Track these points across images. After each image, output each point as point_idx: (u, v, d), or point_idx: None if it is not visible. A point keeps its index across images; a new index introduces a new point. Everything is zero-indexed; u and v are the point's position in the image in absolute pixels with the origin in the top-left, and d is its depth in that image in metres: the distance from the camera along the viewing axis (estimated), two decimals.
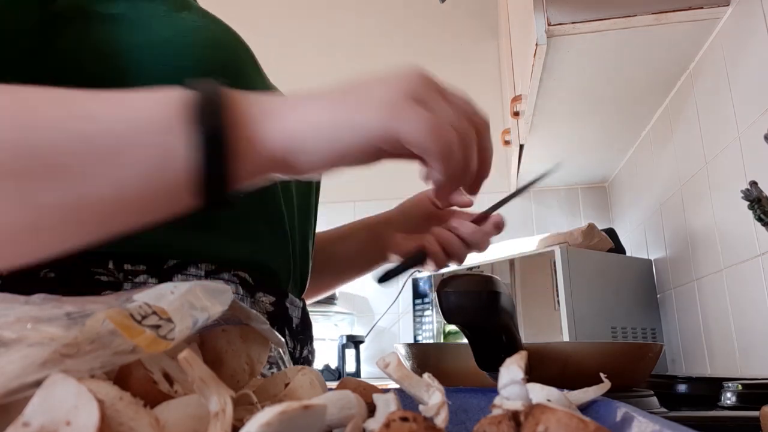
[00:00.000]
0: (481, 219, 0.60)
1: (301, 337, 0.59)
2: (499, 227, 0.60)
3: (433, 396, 0.25)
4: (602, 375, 0.30)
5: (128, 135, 0.31)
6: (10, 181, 0.29)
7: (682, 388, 0.73)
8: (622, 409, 0.25)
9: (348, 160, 0.36)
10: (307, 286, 0.64)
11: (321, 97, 0.35)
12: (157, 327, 0.22)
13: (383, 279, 0.53)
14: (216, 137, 0.32)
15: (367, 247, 0.71)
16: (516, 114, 1.47)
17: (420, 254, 0.57)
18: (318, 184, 0.73)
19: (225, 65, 0.49)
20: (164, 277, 0.46)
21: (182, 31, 0.46)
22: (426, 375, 0.27)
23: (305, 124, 0.34)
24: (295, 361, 0.58)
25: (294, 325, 0.58)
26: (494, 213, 0.60)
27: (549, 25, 1.03)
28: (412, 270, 0.57)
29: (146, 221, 0.33)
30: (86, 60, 0.40)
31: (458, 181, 0.39)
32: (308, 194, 0.67)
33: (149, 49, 0.44)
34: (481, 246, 0.60)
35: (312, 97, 0.35)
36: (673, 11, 1.01)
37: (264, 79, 0.59)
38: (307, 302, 0.64)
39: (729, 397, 0.59)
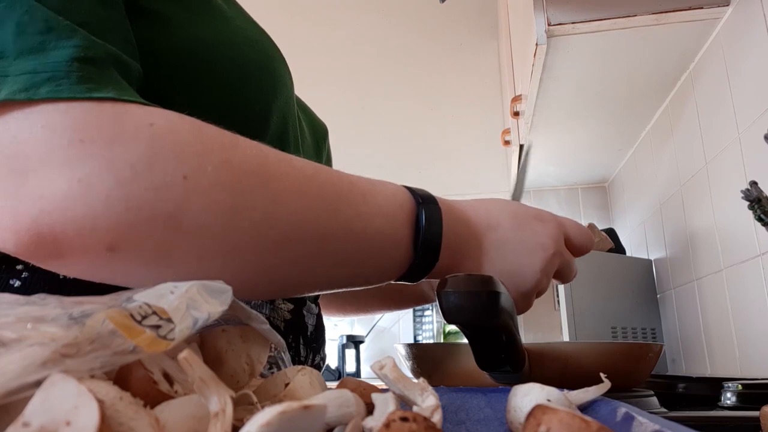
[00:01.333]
0: None
1: (314, 345, 0.59)
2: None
3: (427, 399, 0.25)
4: (602, 375, 0.30)
5: (380, 240, 0.39)
6: (297, 254, 0.35)
7: (682, 388, 0.73)
8: (622, 409, 0.25)
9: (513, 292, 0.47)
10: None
11: (495, 248, 0.46)
12: (157, 327, 0.22)
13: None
14: (435, 254, 0.41)
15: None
16: (516, 114, 1.47)
17: None
18: None
19: (264, 67, 0.49)
20: None
21: (224, 31, 0.46)
22: (421, 379, 0.27)
23: (491, 252, 0.45)
24: None
25: (309, 333, 0.58)
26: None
27: (549, 25, 1.03)
28: None
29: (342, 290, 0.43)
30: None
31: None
32: None
33: (191, 48, 0.44)
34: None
35: (489, 245, 0.46)
36: (673, 11, 1.01)
37: (293, 84, 0.59)
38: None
39: (729, 397, 0.59)
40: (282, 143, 0.52)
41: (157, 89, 0.41)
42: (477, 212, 0.46)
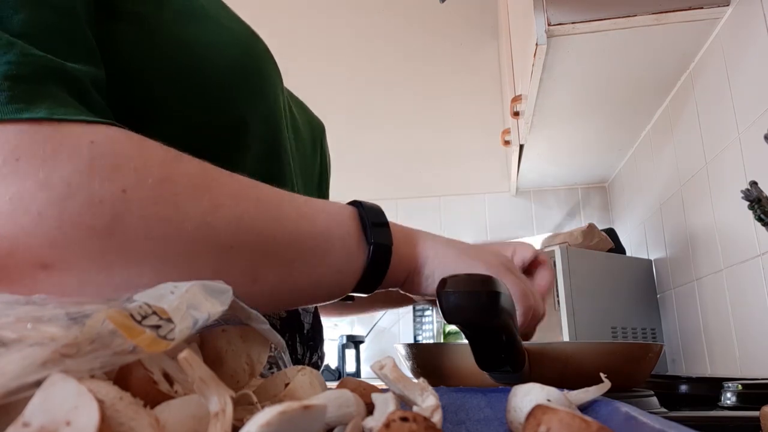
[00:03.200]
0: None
1: (311, 343, 0.59)
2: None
3: (427, 399, 0.25)
4: (602, 375, 0.30)
5: (328, 236, 0.40)
6: (244, 260, 0.35)
7: (682, 388, 0.73)
8: (622, 409, 0.25)
9: None
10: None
11: (442, 244, 0.47)
12: (157, 327, 0.22)
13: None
14: (386, 248, 0.42)
15: None
16: (516, 114, 1.47)
17: None
18: (327, 189, 0.73)
19: (249, 66, 0.49)
20: None
21: (208, 31, 0.46)
22: (421, 379, 0.27)
23: (439, 254, 0.46)
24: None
25: (305, 331, 0.58)
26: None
27: (549, 25, 1.03)
28: None
29: (304, 305, 0.45)
30: (109, 60, 0.40)
31: (523, 334, 0.51)
32: (319, 196, 0.67)
33: (174, 49, 0.44)
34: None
35: (435, 241, 0.47)
36: (673, 11, 1.01)
37: (282, 83, 0.58)
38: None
39: (729, 397, 0.59)
40: (269, 142, 0.52)
41: (141, 92, 0.41)
42: (425, 235, 0.48)
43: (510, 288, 0.46)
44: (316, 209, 0.40)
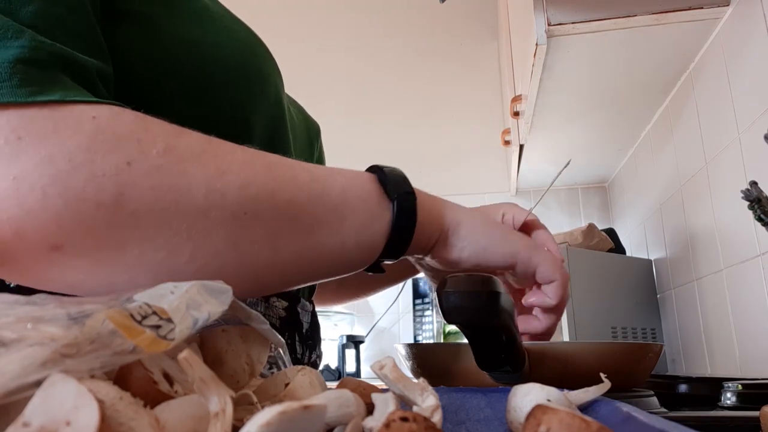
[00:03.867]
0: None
1: (309, 342, 0.59)
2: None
3: (427, 399, 0.25)
4: (602, 375, 0.30)
5: (346, 196, 0.38)
6: (261, 227, 0.34)
7: (682, 388, 0.73)
8: (622, 409, 0.25)
9: (486, 263, 0.46)
10: (316, 289, 0.64)
11: (466, 210, 0.47)
12: (157, 327, 0.22)
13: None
14: (411, 206, 0.41)
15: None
16: (516, 114, 1.47)
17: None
18: None
19: (250, 67, 0.49)
20: None
21: (210, 32, 0.46)
22: (421, 379, 0.27)
23: (468, 219, 0.45)
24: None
25: (304, 330, 0.58)
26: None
27: (549, 25, 1.03)
28: None
29: (333, 276, 0.41)
30: (114, 59, 0.40)
31: (558, 308, 0.50)
32: None
33: (176, 49, 0.44)
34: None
35: (458, 206, 0.46)
36: (673, 11, 1.01)
37: (283, 84, 0.59)
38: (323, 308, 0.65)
39: (729, 397, 0.59)
40: (271, 143, 0.52)
41: (145, 91, 0.41)
42: (444, 202, 0.47)
43: (544, 262, 0.46)
44: (331, 172, 0.39)
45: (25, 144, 0.28)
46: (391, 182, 0.41)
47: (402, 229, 0.41)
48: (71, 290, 0.31)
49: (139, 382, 0.22)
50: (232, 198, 0.33)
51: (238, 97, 0.47)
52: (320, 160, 0.74)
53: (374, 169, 0.43)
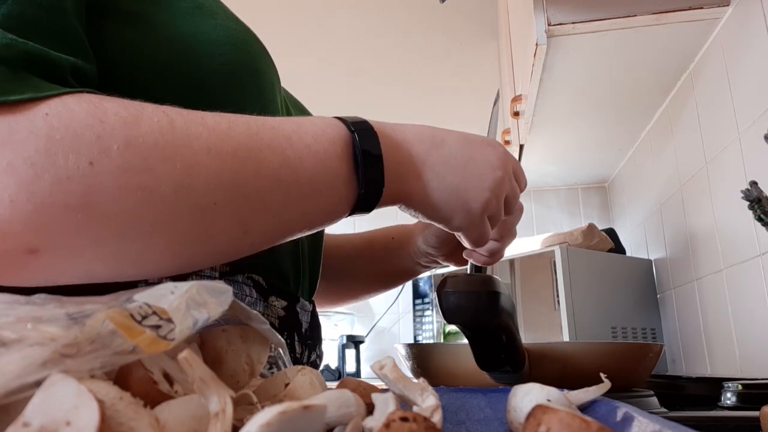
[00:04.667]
0: None
1: (309, 342, 0.59)
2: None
3: (427, 399, 0.25)
4: (602, 375, 0.30)
5: (315, 182, 0.39)
6: (230, 215, 0.35)
7: (682, 388, 0.73)
8: (622, 409, 0.25)
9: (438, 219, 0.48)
10: (317, 288, 0.64)
11: (441, 163, 0.46)
12: (157, 327, 0.22)
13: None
14: (378, 187, 0.41)
15: (389, 256, 0.72)
16: (516, 114, 1.47)
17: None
18: None
19: (246, 65, 0.49)
20: (179, 276, 0.46)
21: (204, 29, 0.46)
22: (421, 379, 0.27)
23: (432, 184, 0.45)
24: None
25: (303, 330, 0.58)
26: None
27: (549, 25, 1.03)
28: None
29: (303, 233, 0.42)
30: (106, 59, 0.40)
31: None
32: None
33: (169, 47, 0.43)
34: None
35: (432, 170, 0.46)
36: (673, 11, 1.01)
37: (279, 81, 0.58)
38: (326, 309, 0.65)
39: (729, 397, 0.59)
40: None
41: (137, 90, 0.41)
42: (420, 133, 0.46)
43: (473, 235, 0.48)
44: (301, 153, 0.38)
45: None
46: (361, 160, 0.41)
47: (367, 204, 0.42)
48: (52, 284, 0.31)
49: (139, 382, 0.22)
50: (201, 191, 0.33)
51: (232, 94, 0.47)
52: None
53: (347, 126, 0.42)
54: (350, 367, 1.95)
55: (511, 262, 1.48)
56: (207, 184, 0.33)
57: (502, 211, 0.49)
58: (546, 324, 1.35)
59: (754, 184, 0.69)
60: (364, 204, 0.42)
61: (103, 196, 0.30)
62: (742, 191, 0.70)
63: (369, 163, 0.41)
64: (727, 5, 0.99)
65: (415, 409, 0.25)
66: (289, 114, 0.64)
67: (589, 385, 0.29)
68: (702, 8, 1.00)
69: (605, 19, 1.02)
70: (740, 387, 0.59)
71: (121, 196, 0.30)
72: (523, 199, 0.56)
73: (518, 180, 0.52)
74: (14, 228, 0.28)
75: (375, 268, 0.73)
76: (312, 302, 0.61)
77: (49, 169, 0.29)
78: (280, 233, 0.39)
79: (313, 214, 0.40)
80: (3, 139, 0.28)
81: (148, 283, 0.39)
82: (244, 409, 0.25)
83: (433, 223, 0.48)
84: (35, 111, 0.30)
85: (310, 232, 0.42)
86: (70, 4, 0.36)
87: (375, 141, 0.41)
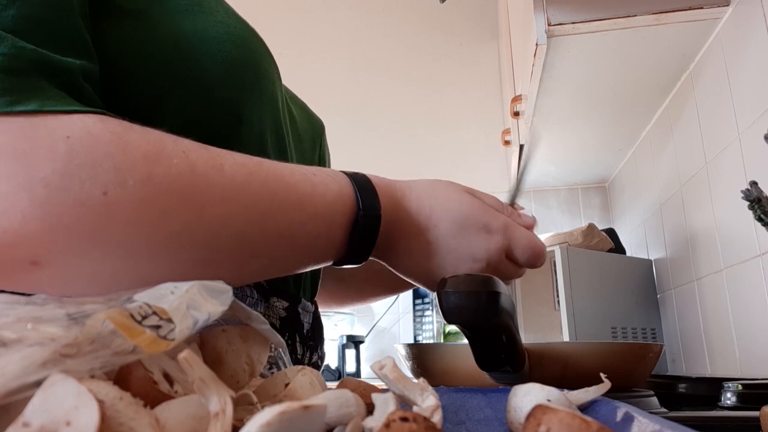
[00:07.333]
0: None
1: (311, 343, 0.59)
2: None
3: (427, 399, 0.25)
4: (602, 375, 0.30)
5: (316, 242, 0.41)
6: (229, 257, 0.37)
7: (682, 388, 0.73)
8: (622, 409, 0.25)
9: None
10: (323, 290, 0.64)
11: (422, 249, 0.47)
12: (157, 327, 0.22)
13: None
14: (368, 248, 0.44)
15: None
16: (516, 114, 1.47)
17: None
18: None
19: (246, 63, 0.49)
20: None
21: (204, 26, 0.46)
22: (421, 379, 0.27)
23: (405, 264, 0.48)
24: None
25: (305, 331, 0.57)
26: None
27: (549, 25, 1.03)
28: None
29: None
30: (106, 57, 0.40)
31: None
32: None
33: (170, 44, 0.43)
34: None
35: (418, 246, 0.47)
36: (673, 11, 1.01)
37: (280, 79, 0.58)
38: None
39: (729, 397, 0.59)
40: (267, 140, 0.52)
41: (137, 87, 0.41)
42: (420, 209, 0.47)
43: (521, 240, 0.48)
44: (308, 218, 0.40)
45: (2, 163, 0.28)
46: (359, 233, 0.43)
47: (352, 262, 0.45)
48: (52, 293, 0.32)
49: (139, 382, 0.22)
50: (207, 236, 0.34)
51: (232, 91, 0.47)
52: (323, 159, 0.74)
53: (357, 200, 0.44)
54: (350, 367, 1.95)
55: None
56: (213, 230, 0.35)
57: None
58: (546, 324, 1.35)
59: (754, 184, 0.69)
60: (344, 263, 0.46)
61: (112, 226, 0.30)
62: (742, 191, 0.69)
63: (363, 241, 0.44)
64: (727, 5, 0.99)
65: (415, 409, 0.25)
66: (290, 112, 0.64)
67: (589, 385, 0.29)
68: (702, 8, 1.00)
69: (605, 19, 1.02)
70: (740, 387, 0.59)
71: (128, 230, 0.31)
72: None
73: (517, 262, 0.50)
74: (22, 240, 0.29)
75: (380, 272, 0.74)
76: (314, 303, 0.61)
77: (63, 192, 0.29)
78: (271, 272, 0.43)
79: (305, 264, 0.44)
80: (22, 153, 0.29)
81: None
82: (244, 409, 0.25)
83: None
84: (57, 130, 0.30)
85: (298, 272, 0.45)
86: (77, 2, 0.36)
87: (376, 227, 0.44)
